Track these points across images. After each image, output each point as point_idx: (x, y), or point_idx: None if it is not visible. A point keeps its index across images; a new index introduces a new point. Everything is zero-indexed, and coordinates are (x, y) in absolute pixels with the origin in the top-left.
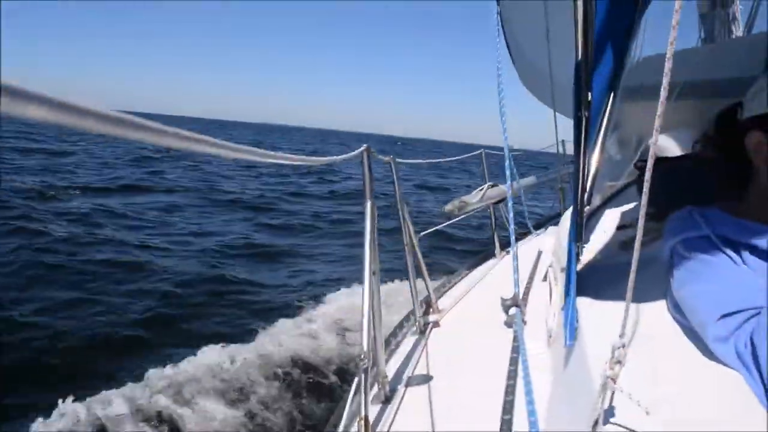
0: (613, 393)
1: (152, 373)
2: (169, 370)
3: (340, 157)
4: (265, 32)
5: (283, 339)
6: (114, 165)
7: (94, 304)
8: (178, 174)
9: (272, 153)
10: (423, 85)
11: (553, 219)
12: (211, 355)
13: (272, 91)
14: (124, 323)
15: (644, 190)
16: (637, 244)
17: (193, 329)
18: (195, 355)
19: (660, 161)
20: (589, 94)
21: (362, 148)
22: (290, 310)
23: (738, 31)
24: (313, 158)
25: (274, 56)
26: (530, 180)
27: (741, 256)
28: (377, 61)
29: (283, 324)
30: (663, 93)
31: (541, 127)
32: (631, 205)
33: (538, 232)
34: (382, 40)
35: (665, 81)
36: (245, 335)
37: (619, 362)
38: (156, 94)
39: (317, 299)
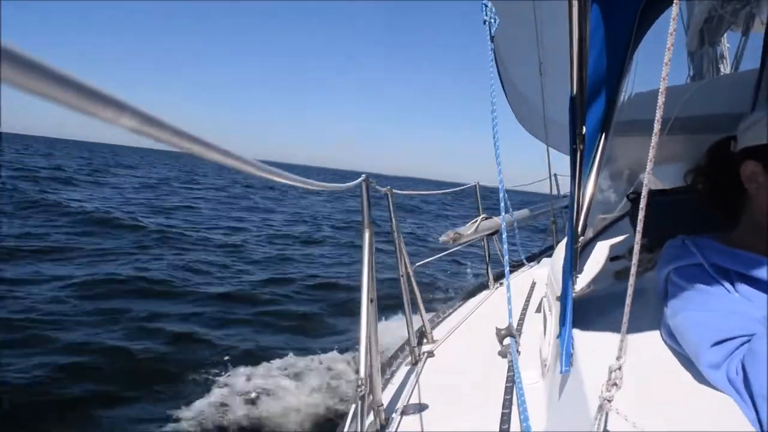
0: (608, 415)
1: None
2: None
3: (340, 185)
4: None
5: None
6: None
7: None
8: None
9: (279, 171)
10: (411, 120)
11: (546, 252)
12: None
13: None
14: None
15: (639, 218)
16: (633, 269)
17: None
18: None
19: (652, 194)
20: (584, 128)
21: (361, 179)
22: None
23: (726, 68)
24: (316, 183)
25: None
26: (523, 213)
27: (733, 284)
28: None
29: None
30: (656, 125)
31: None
32: (622, 237)
33: (531, 264)
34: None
35: (658, 113)
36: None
37: (615, 384)
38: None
39: None
